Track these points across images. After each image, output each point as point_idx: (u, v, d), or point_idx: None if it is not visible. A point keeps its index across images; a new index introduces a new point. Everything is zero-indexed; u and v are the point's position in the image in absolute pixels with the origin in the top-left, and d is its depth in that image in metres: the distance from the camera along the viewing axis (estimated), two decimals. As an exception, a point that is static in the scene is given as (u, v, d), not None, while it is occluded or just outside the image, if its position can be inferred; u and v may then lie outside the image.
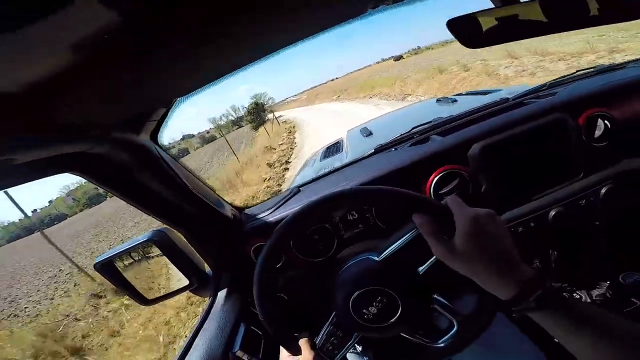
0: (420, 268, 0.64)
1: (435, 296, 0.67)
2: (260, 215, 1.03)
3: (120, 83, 0.49)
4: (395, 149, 1.11)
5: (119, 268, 0.90)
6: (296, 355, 0.66)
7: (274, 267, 0.65)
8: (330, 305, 0.69)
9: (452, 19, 0.53)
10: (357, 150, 1.77)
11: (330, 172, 1.19)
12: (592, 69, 1.24)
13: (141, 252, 0.99)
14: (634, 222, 1.01)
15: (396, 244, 0.63)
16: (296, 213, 0.60)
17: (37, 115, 0.44)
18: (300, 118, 25.62)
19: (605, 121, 0.96)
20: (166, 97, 0.65)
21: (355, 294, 0.64)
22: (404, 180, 0.93)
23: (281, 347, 0.68)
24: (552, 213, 0.95)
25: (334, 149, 2.21)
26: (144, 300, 0.95)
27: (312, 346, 0.66)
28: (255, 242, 0.99)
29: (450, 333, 0.65)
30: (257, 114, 42.42)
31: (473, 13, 0.53)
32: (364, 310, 0.64)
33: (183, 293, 0.99)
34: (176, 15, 0.38)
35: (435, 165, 0.94)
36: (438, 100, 2.10)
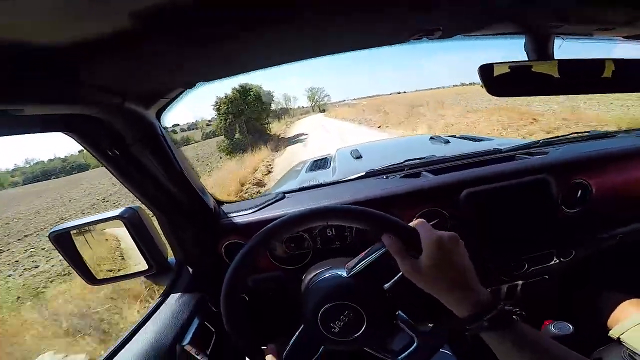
0: (386, 285, 0.66)
1: (399, 312, 0.69)
2: (240, 214, 1.00)
3: (155, 57, 0.50)
4: (387, 177, 1.12)
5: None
6: None
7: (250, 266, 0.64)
8: (299, 317, 0.70)
9: (484, 64, 0.54)
10: (344, 170, 1.77)
11: (319, 186, 1.19)
12: (586, 133, 1.30)
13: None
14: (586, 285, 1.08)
15: (364, 261, 0.65)
16: (284, 219, 0.62)
17: (64, 72, 0.44)
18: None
19: (581, 189, 1.01)
20: (191, 79, 0.66)
21: (324, 307, 0.66)
22: (391, 208, 0.93)
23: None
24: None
25: (321, 163, 2.20)
26: (91, 279, 0.89)
27: (278, 356, 0.65)
28: (229, 239, 0.96)
29: (410, 349, 0.67)
30: (235, 116, 20.00)
31: (505, 62, 0.54)
32: (331, 324, 0.66)
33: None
34: (227, 4, 0.38)
35: (423, 200, 0.96)
36: (431, 137, 2.14)
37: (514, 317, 0.48)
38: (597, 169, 1.02)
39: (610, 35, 0.68)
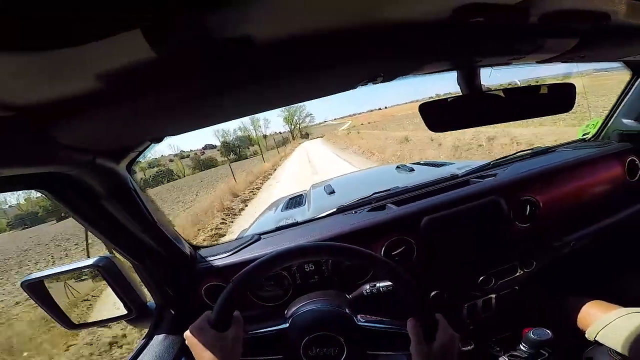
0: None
1: (367, 352, 0.74)
2: (217, 257, 1.03)
3: (126, 115, 0.53)
4: (356, 212, 1.20)
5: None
6: (221, 332, 0.64)
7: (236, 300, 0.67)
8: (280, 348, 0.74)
9: (424, 103, 0.61)
10: (319, 205, 1.84)
11: (294, 225, 1.23)
12: (530, 150, 1.45)
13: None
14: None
15: (378, 325, 0.74)
16: (296, 247, 0.68)
17: (34, 132, 0.45)
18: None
19: (530, 205, 1.13)
20: (159, 134, 0.70)
21: (308, 337, 0.71)
22: (361, 241, 1.00)
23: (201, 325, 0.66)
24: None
25: (297, 201, 2.25)
26: (69, 324, 0.89)
27: (243, 327, 0.69)
28: (208, 282, 0.98)
29: None
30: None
31: (442, 99, 0.62)
32: (310, 352, 0.71)
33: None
34: (186, 68, 0.43)
35: (389, 231, 1.05)
36: (398, 167, 2.29)
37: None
38: (541, 185, 1.16)
39: (525, 61, 0.79)
